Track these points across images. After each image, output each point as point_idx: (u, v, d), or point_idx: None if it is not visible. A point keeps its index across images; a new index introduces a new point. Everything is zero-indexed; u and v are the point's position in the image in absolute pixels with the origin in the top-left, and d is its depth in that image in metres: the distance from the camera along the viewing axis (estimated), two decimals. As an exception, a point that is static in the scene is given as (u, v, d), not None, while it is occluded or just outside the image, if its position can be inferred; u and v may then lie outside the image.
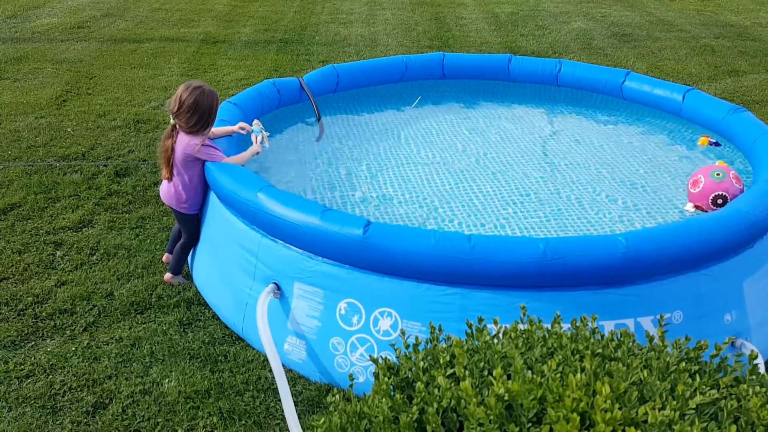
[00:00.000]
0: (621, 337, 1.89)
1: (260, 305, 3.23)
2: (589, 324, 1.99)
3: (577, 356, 1.74)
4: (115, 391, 3.18)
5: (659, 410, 1.51)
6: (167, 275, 3.97)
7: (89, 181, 5.15)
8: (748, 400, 1.58)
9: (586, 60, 8.37)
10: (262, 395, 3.17)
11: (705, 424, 1.52)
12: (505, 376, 1.60)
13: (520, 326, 1.97)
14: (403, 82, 5.90)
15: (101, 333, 3.58)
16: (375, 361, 1.86)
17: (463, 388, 1.56)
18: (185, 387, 3.19)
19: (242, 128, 4.12)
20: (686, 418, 1.55)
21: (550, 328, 1.95)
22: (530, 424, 1.53)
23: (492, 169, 4.52)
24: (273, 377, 3.22)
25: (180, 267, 3.99)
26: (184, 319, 3.68)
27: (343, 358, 3.21)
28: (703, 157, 4.71)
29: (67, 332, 3.58)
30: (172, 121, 3.70)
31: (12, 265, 4.13)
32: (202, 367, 3.33)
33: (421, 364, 1.80)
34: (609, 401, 1.49)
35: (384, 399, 1.67)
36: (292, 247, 3.33)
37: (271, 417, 3.05)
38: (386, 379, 1.75)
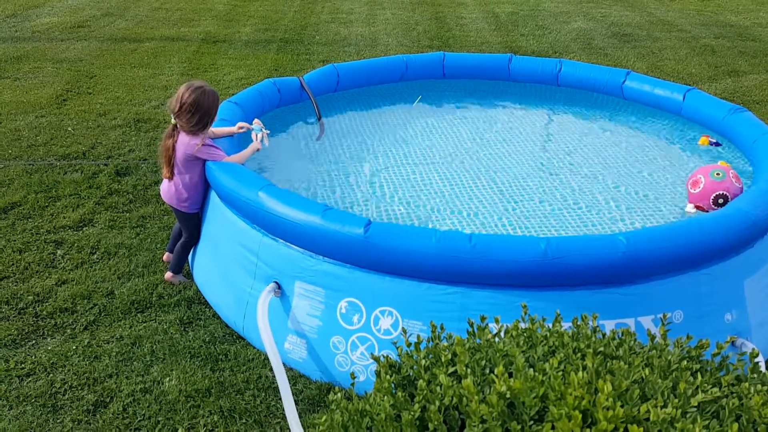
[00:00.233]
0: (622, 335, 1.89)
1: (261, 304, 3.23)
2: (590, 323, 1.99)
3: (579, 354, 1.74)
4: (116, 390, 3.18)
5: (661, 408, 1.52)
6: (168, 274, 3.97)
7: (90, 180, 5.15)
8: (750, 399, 1.59)
9: (587, 60, 8.37)
10: (263, 394, 3.17)
11: (707, 422, 1.52)
12: (506, 374, 1.61)
13: (522, 325, 1.97)
14: (404, 81, 5.91)
15: (102, 332, 3.58)
16: (377, 359, 1.86)
17: (465, 386, 1.56)
18: (186, 386, 3.20)
19: (241, 127, 4.13)
20: (688, 416, 1.55)
21: (551, 326, 1.95)
22: (532, 422, 1.53)
23: (492, 169, 4.52)
24: (273, 376, 3.22)
25: (181, 266, 3.99)
26: (185, 317, 3.68)
27: (344, 357, 3.21)
28: (704, 157, 4.71)
29: (68, 331, 3.58)
30: (173, 121, 3.71)
31: (12, 264, 4.14)
32: (203, 366, 3.33)
33: (423, 362, 1.80)
34: (611, 399, 1.49)
35: (386, 397, 1.67)
36: (292, 246, 3.33)
37: (271, 416, 3.06)
38: (388, 377, 1.75)
